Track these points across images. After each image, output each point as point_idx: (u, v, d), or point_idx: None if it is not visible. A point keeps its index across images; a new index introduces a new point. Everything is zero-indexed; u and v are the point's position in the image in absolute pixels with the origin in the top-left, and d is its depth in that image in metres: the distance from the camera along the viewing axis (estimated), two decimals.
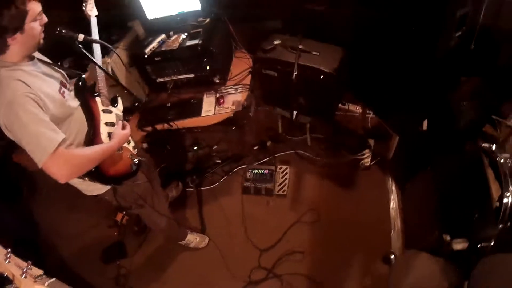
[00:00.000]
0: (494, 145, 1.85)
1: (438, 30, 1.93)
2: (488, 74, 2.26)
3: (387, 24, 2.13)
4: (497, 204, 1.67)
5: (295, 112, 2.47)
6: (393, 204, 2.63)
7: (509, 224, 1.67)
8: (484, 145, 1.88)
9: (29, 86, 1.43)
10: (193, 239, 2.72)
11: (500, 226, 1.67)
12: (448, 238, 1.91)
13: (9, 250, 1.28)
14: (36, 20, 1.46)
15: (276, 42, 2.47)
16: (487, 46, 2.13)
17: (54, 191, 3.47)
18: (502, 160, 1.74)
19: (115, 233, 3.02)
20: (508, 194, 1.65)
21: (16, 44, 1.43)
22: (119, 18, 2.71)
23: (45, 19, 1.51)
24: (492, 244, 1.70)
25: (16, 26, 1.40)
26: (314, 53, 2.37)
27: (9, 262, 1.25)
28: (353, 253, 2.49)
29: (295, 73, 2.28)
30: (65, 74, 1.76)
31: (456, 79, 2.34)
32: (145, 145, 2.80)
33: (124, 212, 3.03)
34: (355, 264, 2.44)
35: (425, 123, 2.40)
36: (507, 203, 1.64)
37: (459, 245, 1.85)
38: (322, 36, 2.48)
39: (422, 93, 2.24)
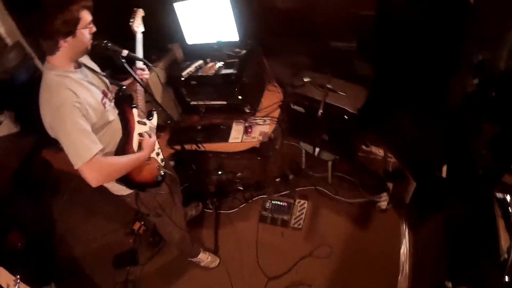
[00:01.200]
0: (509, 196, 1.85)
1: (453, 76, 1.97)
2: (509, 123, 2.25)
3: (406, 66, 2.19)
4: (506, 256, 1.67)
5: (317, 149, 2.56)
6: (403, 249, 2.64)
7: None
8: (499, 195, 1.88)
9: (77, 95, 1.58)
10: (204, 258, 2.80)
11: (507, 278, 1.65)
12: (450, 285, 1.92)
13: (18, 276, 1.34)
14: (86, 28, 1.60)
15: (306, 79, 2.58)
16: (508, 93, 2.07)
17: (76, 193, 3.64)
18: None
19: (130, 241, 3.13)
20: None
21: (67, 47, 1.58)
22: (160, 39, 2.88)
23: (94, 28, 1.65)
24: None
25: (68, 30, 1.54)
26: (341, 93, 2.47)
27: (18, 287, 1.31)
28: None
29: (321, 111, 2.38)
30: (108, 83, 1.90)
31: (478, 126, 2.35)
32: (172, 163, 2.92)
33: (142, 222, 3.14)
34: None
35: (444, 169, 2.42)
36: None
37: None
38: (349, 74, 2.59)
39: (441, 138, 2.27)
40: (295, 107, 2.61)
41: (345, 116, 2.42)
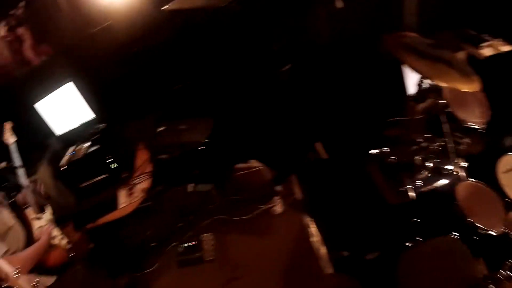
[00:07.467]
0: None
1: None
2: None
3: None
4: None
5: (191, 185, 2.76)
6: (313, 237, 2.77)
7: None
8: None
9: None
10: None
11: None
12: None
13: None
14: None
15: (161, 129, 2.83)
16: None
17: None
18: None
19: None
20: None
21: None
22: (36, 139, 3.13)
23: None
24: None
25: None
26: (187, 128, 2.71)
27: None
28: None
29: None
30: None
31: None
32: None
33: None
34: None
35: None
36: None
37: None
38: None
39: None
40: (160, 156, 2.84)
41: (201, 147, 2.65)
